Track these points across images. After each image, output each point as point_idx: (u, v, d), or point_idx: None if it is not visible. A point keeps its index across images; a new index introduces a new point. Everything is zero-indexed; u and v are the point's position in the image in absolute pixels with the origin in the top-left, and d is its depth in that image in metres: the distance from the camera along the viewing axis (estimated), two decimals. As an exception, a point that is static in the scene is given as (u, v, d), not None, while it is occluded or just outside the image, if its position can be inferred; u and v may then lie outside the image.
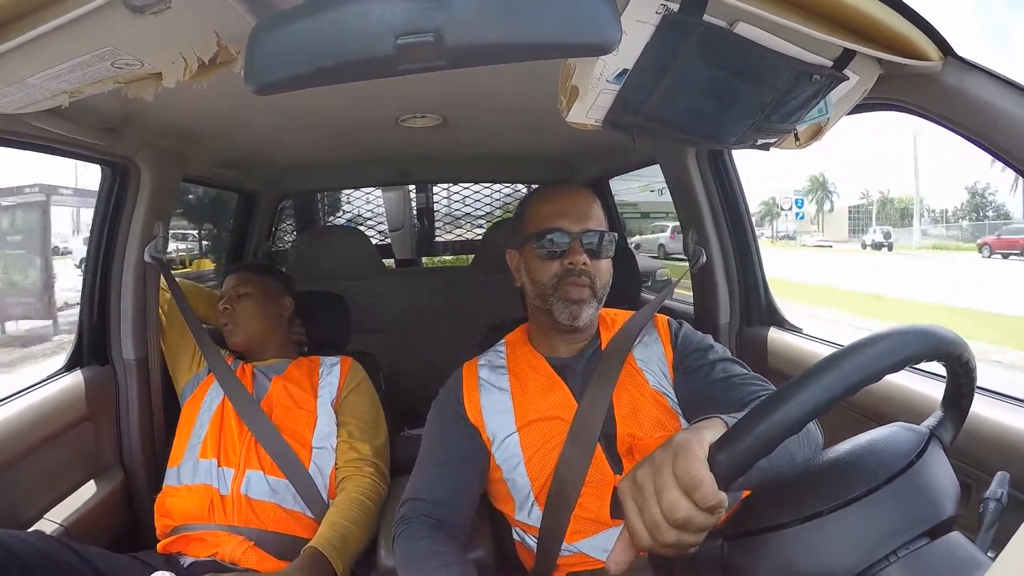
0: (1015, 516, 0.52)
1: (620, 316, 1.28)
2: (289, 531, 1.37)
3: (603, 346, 1.22)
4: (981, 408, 1.00)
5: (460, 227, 3.65)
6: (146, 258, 1.58)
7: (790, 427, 0.52)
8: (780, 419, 0.52)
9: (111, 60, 0.79)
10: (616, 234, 1.21)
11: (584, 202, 1.19)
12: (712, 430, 0.58)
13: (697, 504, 0.53)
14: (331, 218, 3.85)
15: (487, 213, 3.61)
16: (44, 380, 1.51)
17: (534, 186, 3.07)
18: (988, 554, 0.54)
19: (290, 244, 2.96)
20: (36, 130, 1.16)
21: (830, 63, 0.82)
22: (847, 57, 0.81)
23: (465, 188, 3.48)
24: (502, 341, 1.32)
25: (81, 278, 1.64)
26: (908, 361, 0.54)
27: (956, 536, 0.55)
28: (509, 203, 3.48)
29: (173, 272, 1.75)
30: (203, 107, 1.40)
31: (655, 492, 0.55)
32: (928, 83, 0.82)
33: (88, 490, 1.49)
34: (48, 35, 0.68)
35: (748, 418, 0.54)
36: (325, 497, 1.42)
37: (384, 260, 3.01)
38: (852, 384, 0.52)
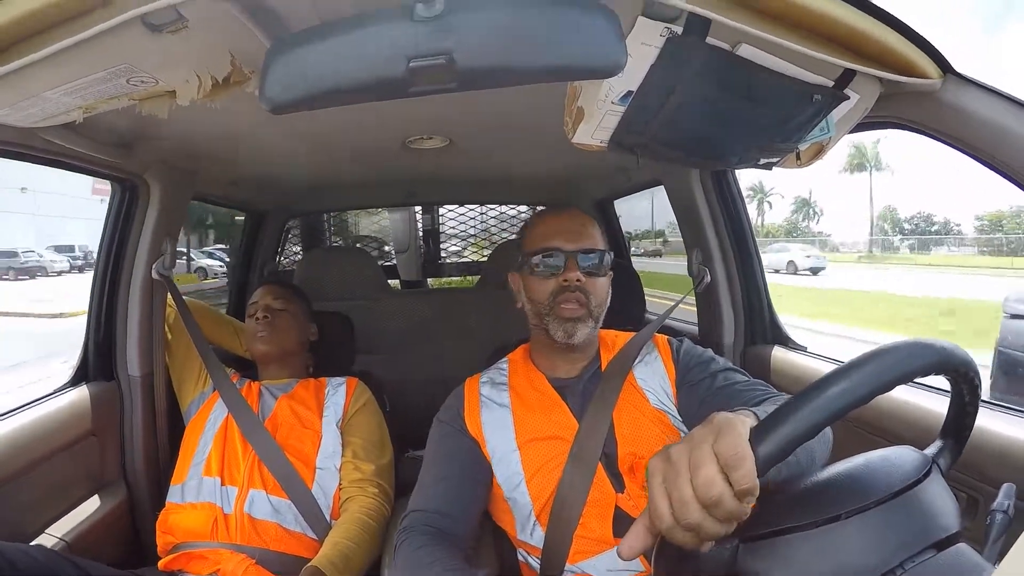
0: (1022, 527, 0.52)
1: (621, 338, 1.29)
2: (291, 551, 1.36)
3: (603, 367, 1.23)
4: (986, 421, 1.00)
5: (466, 247, 3.66)
6: (154, 275, 1.59)
7: (832, 414, 0.52)
8: (823, 406, 0.52)
9: (127, 77, 0.81)
10: (612, 253, 1.23)
11: (580, 222, 1.21)
12: (750, 417, 0.57)
13: (734, 485, 0.51)
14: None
15: (493, 234, 3.62)
16: (50, 394, 1.51)
17: (539, 207, 3.09)
18: (995, 566, 0.54)
19: (294, 265, 2.97)
20: (50, 144, 1.17)
21: (831, 83, 0.83)
22: (848, 77, 0.82)
23: (471, 209, 3.49)
24: (504, 359, 1.33)
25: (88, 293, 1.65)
26: (937, 367, 0.56)
27: (962, 548, 0.55)
28: (515, 224, 3.49)
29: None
30: (213, 127, 1.41)
31: (690, 467, 0.54)
32: (928, 101, 0.83)
33: (91, 505, 1.49)
34: (66, 51, 0.69)
35: (790, 405, 0.54)
36: (328, 517, 1.42)
37: (390, 281, 3.02)
38: (891, 379, 0.53)
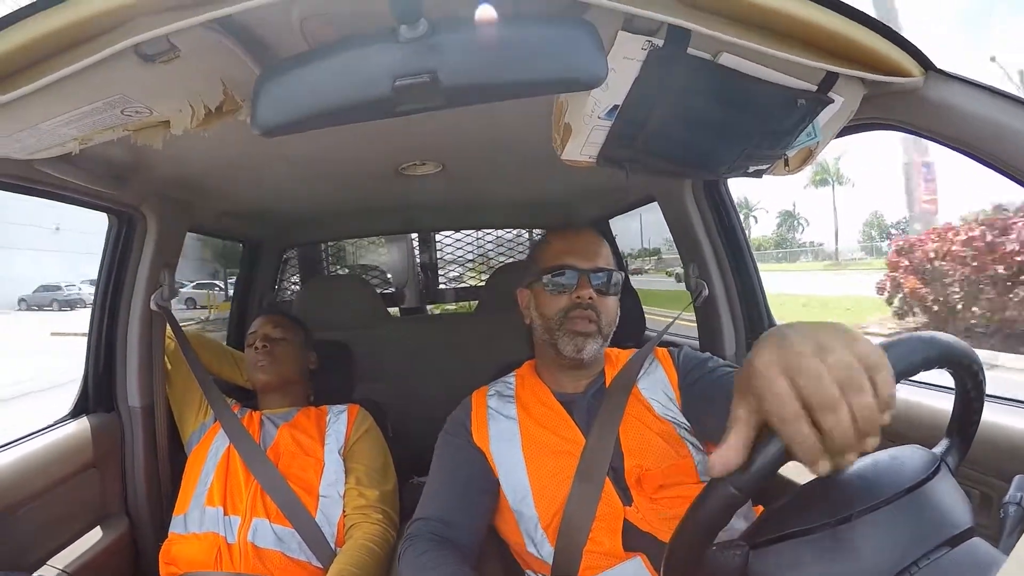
0: None
1: (624, 355, 1.30)
2: None
3: (607, 383, 1.23)
4: (995, 416, 0.98)
5: (463, 273, 3.66)
6: (152, 306, 1.59)
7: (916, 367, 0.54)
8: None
9: (121, 107, 0.82)
10: (623, 273, 1.25)
11: (593, 242, 1.24)
12: None
13: (879, 388, 0.49)
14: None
15: (491, 258, 3.62)
16: (50, 426, 1.51)
17: (536, 231, 3.10)
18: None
19: (292, 295, 2.97)
20: (46, 176, 1.18)
21: (814, 87, 0.84)
22: (830, 80, 0.83)
23: (467, 234, 3.50)
24: (512, 372, 1.35)
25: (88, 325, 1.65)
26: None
27: (976, 542, 0.54)
28: (513, 248, 3.50)
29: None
30: (208, 158, 1.43)
31: (821, 350, 0.51)
32: (912, 99, 0.83)
33: (93, 536, 1.48)
34: (62, 82, 0.70)
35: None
36: (332, 545, 1.40)
37: (389, 308, 3.01)
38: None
